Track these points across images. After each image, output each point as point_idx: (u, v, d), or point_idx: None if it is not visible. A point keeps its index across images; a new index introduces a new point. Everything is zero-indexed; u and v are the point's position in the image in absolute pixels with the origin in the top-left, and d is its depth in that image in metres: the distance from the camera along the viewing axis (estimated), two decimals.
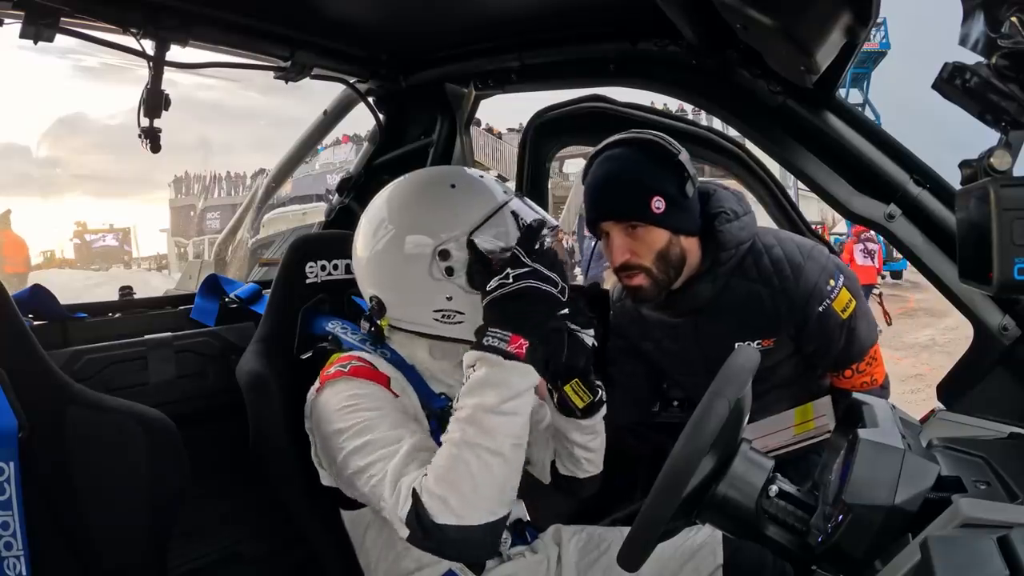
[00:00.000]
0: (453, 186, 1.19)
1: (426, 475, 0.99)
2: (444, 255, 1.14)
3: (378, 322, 1.23)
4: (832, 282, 1.41)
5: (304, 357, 1.30)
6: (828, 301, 1.41)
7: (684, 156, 1.37)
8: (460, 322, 1.17)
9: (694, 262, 1.42)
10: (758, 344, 1.44)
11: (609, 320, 1.71)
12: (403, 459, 1.04)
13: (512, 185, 1.66)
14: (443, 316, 1.17)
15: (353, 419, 1.10)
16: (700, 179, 1.47)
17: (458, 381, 1.25)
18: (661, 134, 1.40)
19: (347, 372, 1.15)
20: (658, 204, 1.34)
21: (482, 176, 1.25)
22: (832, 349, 1.46)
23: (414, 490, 0.99)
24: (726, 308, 1.45)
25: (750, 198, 1.58)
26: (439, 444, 1.12)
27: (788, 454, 1.48)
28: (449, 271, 1.15)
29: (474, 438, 0.98)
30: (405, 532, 1.00)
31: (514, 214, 1.17)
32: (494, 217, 1.16)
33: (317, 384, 1.17)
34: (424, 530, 0.98)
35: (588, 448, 1.28)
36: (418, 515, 0.98)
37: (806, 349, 1.48)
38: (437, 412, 1.20)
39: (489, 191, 1.20)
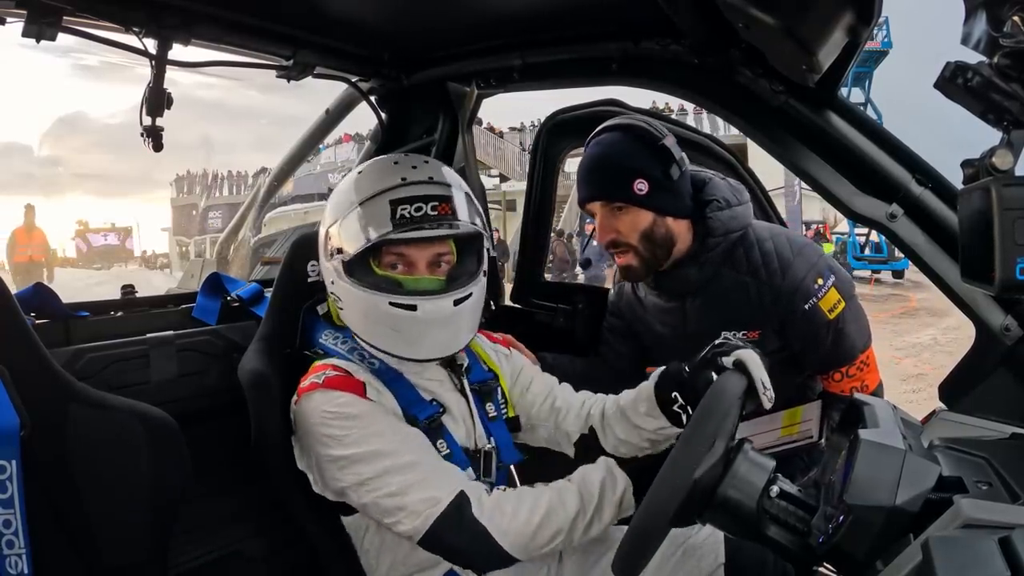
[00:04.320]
0: (360, 172, 1.20)
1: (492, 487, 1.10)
2: (327, 236, 1.19)
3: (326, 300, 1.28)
4: (820, 281, 1.42)
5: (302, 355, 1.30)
6: (815, 299, 1.42)
7: (670, 141, 1.41)
8: (342, 308, 1.21)
9: (683, 245, 1.45)
10: (743, 335, 1.45)
11: (606, 309, 1.77)
12: (418, 475, 1.08)
13: (516, 185, 1.67)
14: (334, 297, 1.21)
15: (339, 431, 1.11)
16: (695, 168, 1.52)
17: (440, 384, 1.26)
18: (650, 120, 1.45)
19: (321, 384, 1.14)
20: (640, 186, 1.38)
21: (397, 162, 1.19)
22: (819, 349, 1.46)
23: (462, 492, 1.05)
24: (714, 297, 1.47)
25: None
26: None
27: (771, 456, 1.49)
28: (331, 253, 1.18)
29: (570, 501, 1.08)
30: (422, 530, 1.05)
31: (395, 202, 1.12)
32: (366, 204, 1.13)
33: (295, 396, 1.18)
34: (457, 525, 1.03)
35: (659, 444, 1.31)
36: (460, 510, 1.04)
37: (793, 347, 1.48)
38: (424, 423, 1.18)
39: (387, 176, 1.15)
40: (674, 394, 1.19)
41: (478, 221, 1.19)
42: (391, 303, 1.13)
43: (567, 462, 1.44)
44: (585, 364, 1.73)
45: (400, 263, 1.17)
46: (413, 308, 1.13)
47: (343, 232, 1.15)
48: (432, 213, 1.12)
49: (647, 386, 1.26)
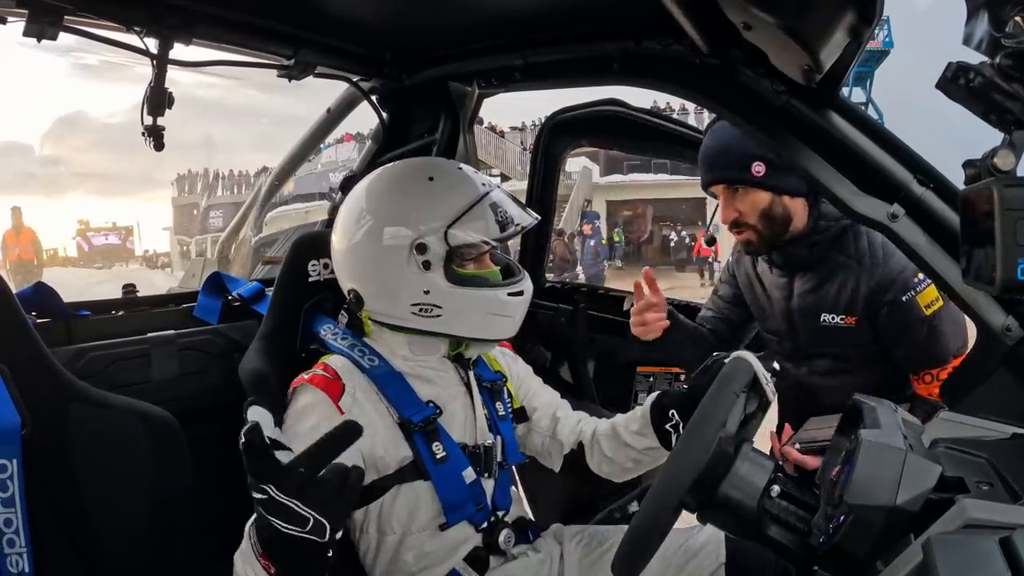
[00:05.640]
0: (431, 178, 1.21)
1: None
2: (421, 249, 1.16)
3: (358, 315, 1.25)
4: (920, 275, 1.41)
5: (303, 355, 1.30)
6: (912, 293, 1.42)
7: None
8: (438, 316, 1.19)
9: (800, 224, 1.50)
10: (841, 319, 1.49)
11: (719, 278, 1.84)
12: None
13: (516, 185, 1.67)
14: (420, 310, 1.19)
15: (287, 421, 1.15)
16: None
17: (443, 378, 1.26)
18: None
19: (307, 379, 1.17)
20: (758, 168, 1.45)
21: (461, 168, 1.28)
22: (911, 345, 1.44)
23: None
24: (821, 277, 1.52)
25: None
26: (424, 459, 1.17)
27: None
28: (426, 265, 1.17)
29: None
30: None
31: (493, 206, 1.20)
32: (473, 209, 1.18)
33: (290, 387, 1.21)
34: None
35: (642, 464, 1.32)
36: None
37: (885, 339, 1.47)
38: (419, 426, 1.19)
39: (468, 182, 1.23)
40: (671, 412, 1.22)
41: None
42: (509, 293, 1.22)
43: (567, 461, 1.44)
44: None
45: (472, 261, 1.23)
46: (520, 293, 1.25)
47: (442, 241, 1.17)
48: (514, 212, 1.22)
49: (643, 407, 1.29)
